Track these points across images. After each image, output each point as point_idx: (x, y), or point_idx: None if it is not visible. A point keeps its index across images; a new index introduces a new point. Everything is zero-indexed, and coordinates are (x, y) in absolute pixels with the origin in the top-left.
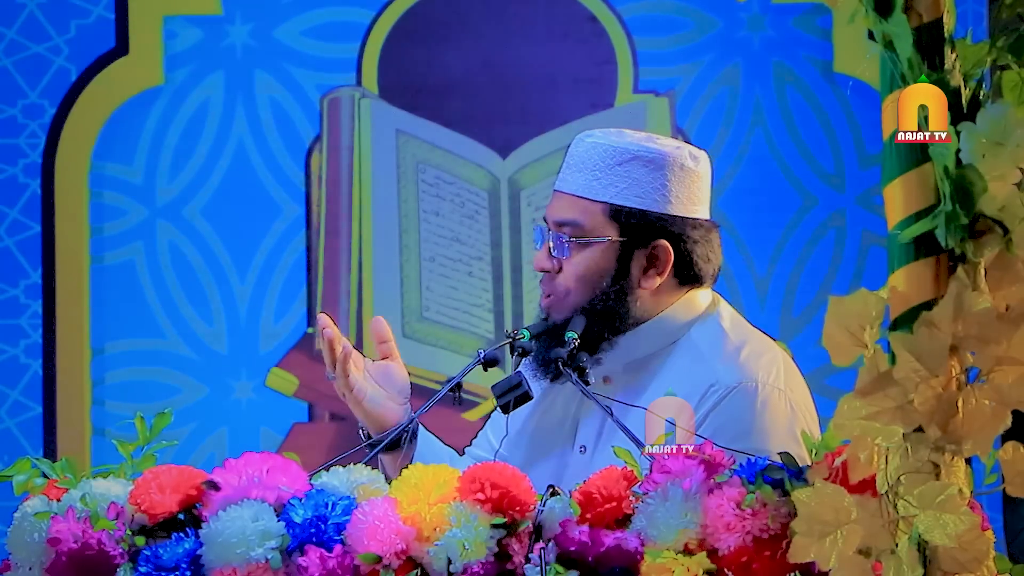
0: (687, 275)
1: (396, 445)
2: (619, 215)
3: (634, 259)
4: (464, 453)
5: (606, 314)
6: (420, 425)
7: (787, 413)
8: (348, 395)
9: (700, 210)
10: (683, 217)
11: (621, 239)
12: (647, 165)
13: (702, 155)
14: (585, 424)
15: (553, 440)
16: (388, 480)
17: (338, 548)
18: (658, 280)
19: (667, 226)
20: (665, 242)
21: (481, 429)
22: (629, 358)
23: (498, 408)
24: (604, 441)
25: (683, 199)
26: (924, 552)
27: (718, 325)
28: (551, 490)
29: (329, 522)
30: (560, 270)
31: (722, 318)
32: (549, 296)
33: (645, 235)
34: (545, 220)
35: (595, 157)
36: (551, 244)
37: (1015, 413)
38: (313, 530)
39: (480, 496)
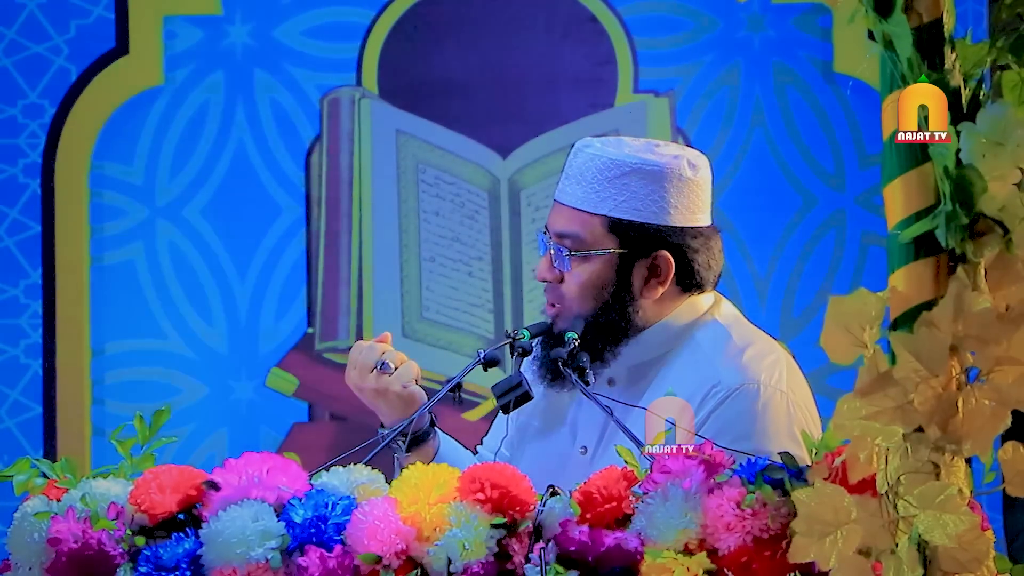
0: (689, 283)
1: (419, 442)
2: (618, 228)
3: (635, 270)
4: (476, 452)
5: (609, 325)
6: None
7: (788, 414)
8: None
9: (701, 218)
10: (683, 227)
11: (621, 251)
12: (644, 178)
13: (702, 161)
14: (586, 425)
15: (554, 440)
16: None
17: (338, 548)
18: (660, 290)
19: (667, 237)
20: (666, 252)
21: (489, 429)
22: (633, 363)
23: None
24: (605, 442)
25: (682, 209)
26: (924, 552)
27: (721, 326)
28: (551, 490)
29: (329, 522)
30: (562, 280)
31: (725, 319)
32: (554, 306)
33: (645, 246)
34: (546, 229)
35: (593, 169)
36: (552, 255)
37: (1015, 413)
38: (313, 530)
39: (480, 496)
